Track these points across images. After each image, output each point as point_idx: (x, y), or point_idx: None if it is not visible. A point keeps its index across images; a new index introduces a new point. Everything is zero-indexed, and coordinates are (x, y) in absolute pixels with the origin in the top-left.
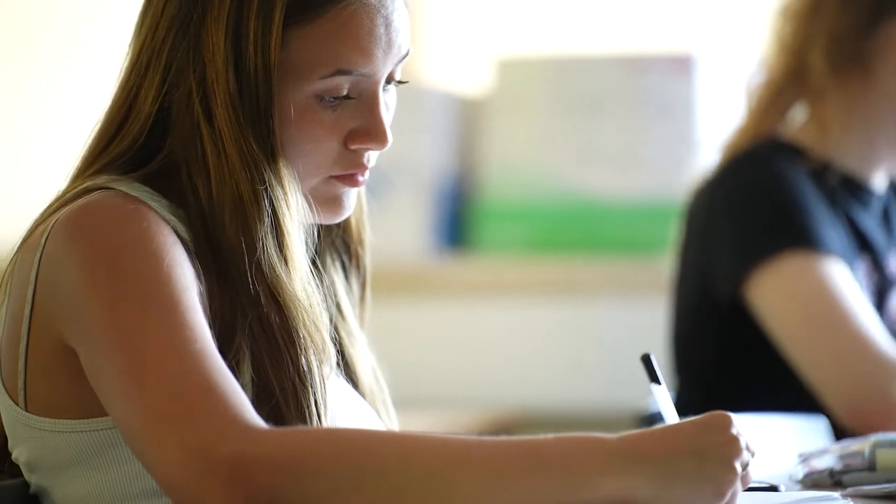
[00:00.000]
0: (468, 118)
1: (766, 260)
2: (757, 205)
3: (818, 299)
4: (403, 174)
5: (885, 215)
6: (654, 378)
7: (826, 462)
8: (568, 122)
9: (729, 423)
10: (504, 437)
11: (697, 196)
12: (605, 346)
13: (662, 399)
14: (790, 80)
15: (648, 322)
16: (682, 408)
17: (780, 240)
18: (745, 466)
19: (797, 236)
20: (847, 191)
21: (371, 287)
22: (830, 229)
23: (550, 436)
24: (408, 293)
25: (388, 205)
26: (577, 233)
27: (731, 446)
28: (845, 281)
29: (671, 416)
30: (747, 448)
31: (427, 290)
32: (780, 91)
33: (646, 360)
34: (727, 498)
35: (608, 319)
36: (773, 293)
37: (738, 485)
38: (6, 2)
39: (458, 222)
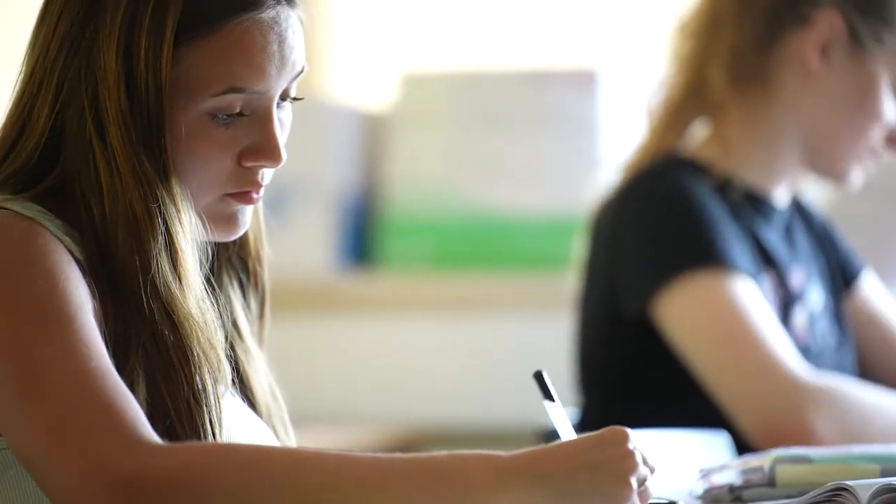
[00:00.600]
0: (372, 133)
1: (674, 278)
2: (662, 222)
3: (728, 318)
4: (308, 190)
5: (787, 231)
6: (547, 395)
7: (726, 478)
8: (472, 137)
9: (625, 438)
10: (399, 455)
11: (601, 212)
12: (509, 363)
13: (557, 416)
14: (690, 96)
15: (552, 338)
16: (587, 424)
17: (687, 258)
18: (642, 482)
19: (704, 254)
20: (750, 206)
21: (275, 303)
22: (737, 245)
23: (444, 453)
24: (312, 309)
25: (293, 220)
26: (482, 248)
27: (627, 461)
28: (754, 298)
29: (567, 433)
30: (645, 463)
31: (332, 305)
32: (681, 108)
33: (538, 377)
34: None
35: (512, 335)
36: (681, 312)
37: (635, 500)
38: (6, 2)
39: (362, 238)
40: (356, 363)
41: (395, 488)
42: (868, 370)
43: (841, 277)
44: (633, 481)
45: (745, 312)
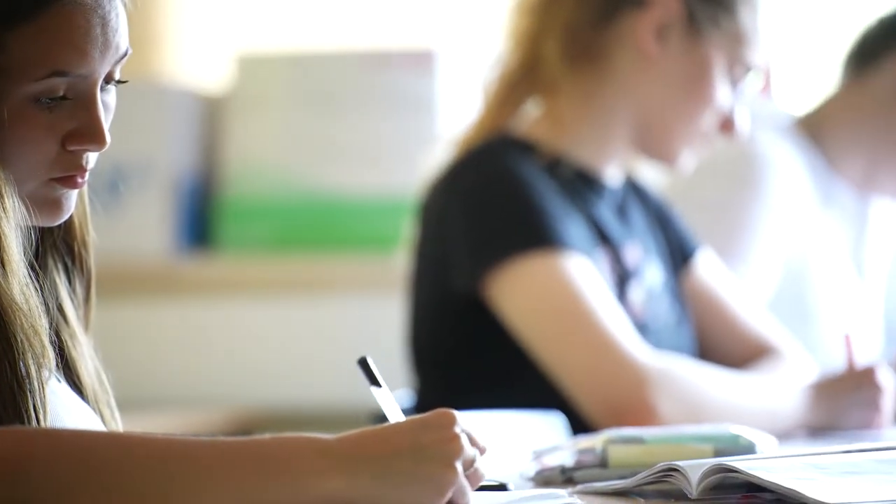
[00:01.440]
0: (210, 115)
1: (505, 259)
2: (491, 203)
3: (564, 298)
4: (145, 172)
5: (621, 209)
6: (373, 381)
7: (559, 459)
8: (310, 118)
9: (451, 421)
10: (223, 437)
11: (432, 191)
12: (348, 344)
13: (385, 401)
14: (525, 73)
15: (392, 319)
16: (421, 406)
17: (517, 239)
18: (469, 465)
19: (535, 235)
20: (581, 184)
21: (114, 287)
22: (569, 224)
23: (269, 436)
24: (151, 293)
25: (131, 204)
26: (320, 230)
27: (452, 445)
28: (590, 276)
29: (396, 417)
30: (474, 445)
31: (170, 289)
32: (515, 85)
33: (363, 363)
34: (447, 497)
35: (351, 317)
36: (516, 294)
37: (463, 483)
38: None
39: (201, 221)
40: (195, 346)
41: (218, 472)
42: (706, 348)
43: (679, 256)
44: (458, 465)
45: (581, 292)
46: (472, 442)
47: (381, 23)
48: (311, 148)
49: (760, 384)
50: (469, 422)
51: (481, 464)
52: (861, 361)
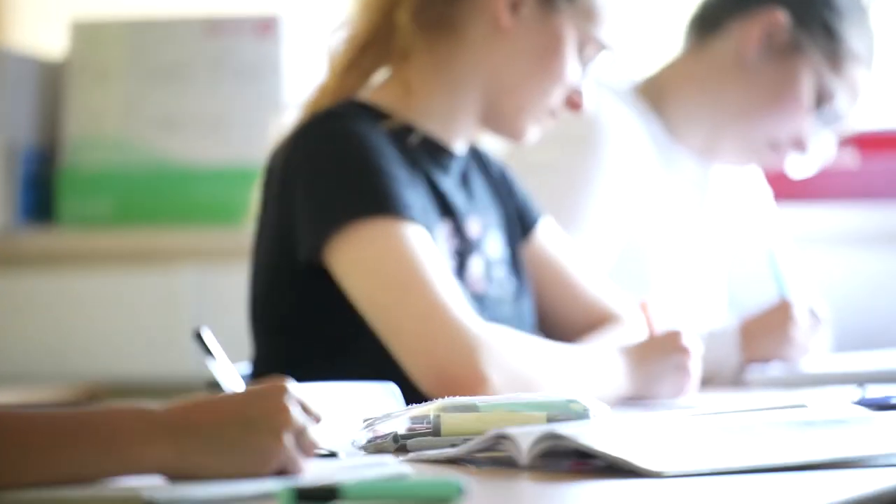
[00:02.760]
0: (48, 83)
1: (345, 225)
2: (334, 168)
3: (397, 266)
4: None
5: (465, 179)
6: (209, 353)
7: (392, 427)
8: (150, 87)
9: (282, 392)
10: (50, 410)
11: (276, 156)
12: (193, 315)
13: (222, 374)
14: (374, 39)
15: (238, 290)
16: (259, 374)
17: (358, 205)
18: (300, 435)
19: (375, 201)
20: (428, 153)
21: None
22: (411, 193)
23: (99, 406)
24: None
25: None
26: (164, 200)
27: (281, 416)
28: (426, 246)
29: (234, 388)
30: (309, 415)
31: (10, 261)
32: (363, 50)
33: (198, 336)
34: (273, 467)
35: (196, 288)
36: (351, 259)
37: (289, 454)
38: None
39: (40, 192)
40: (35, 320)
41: (43, 443)
42: (547, 318)
43: (519, 226)
44: (287, 437)
45: (416, 261)
46: (306, 411)
47: None
48: (152, 116)
49: (584, 356)
50: (303, 392)
51: (314, 433)
52: (661, 327)
